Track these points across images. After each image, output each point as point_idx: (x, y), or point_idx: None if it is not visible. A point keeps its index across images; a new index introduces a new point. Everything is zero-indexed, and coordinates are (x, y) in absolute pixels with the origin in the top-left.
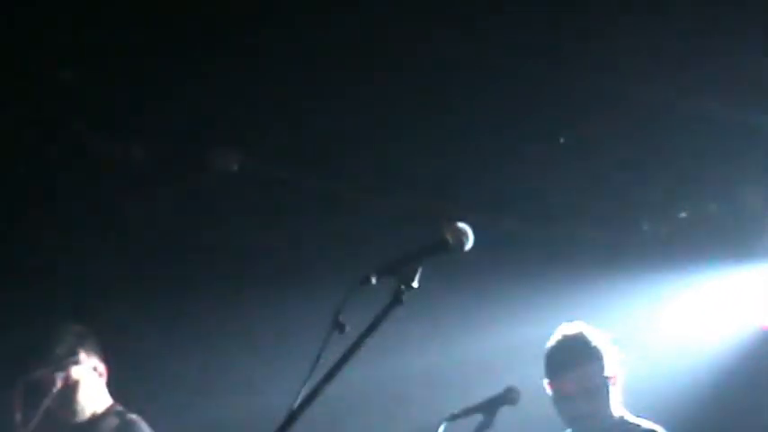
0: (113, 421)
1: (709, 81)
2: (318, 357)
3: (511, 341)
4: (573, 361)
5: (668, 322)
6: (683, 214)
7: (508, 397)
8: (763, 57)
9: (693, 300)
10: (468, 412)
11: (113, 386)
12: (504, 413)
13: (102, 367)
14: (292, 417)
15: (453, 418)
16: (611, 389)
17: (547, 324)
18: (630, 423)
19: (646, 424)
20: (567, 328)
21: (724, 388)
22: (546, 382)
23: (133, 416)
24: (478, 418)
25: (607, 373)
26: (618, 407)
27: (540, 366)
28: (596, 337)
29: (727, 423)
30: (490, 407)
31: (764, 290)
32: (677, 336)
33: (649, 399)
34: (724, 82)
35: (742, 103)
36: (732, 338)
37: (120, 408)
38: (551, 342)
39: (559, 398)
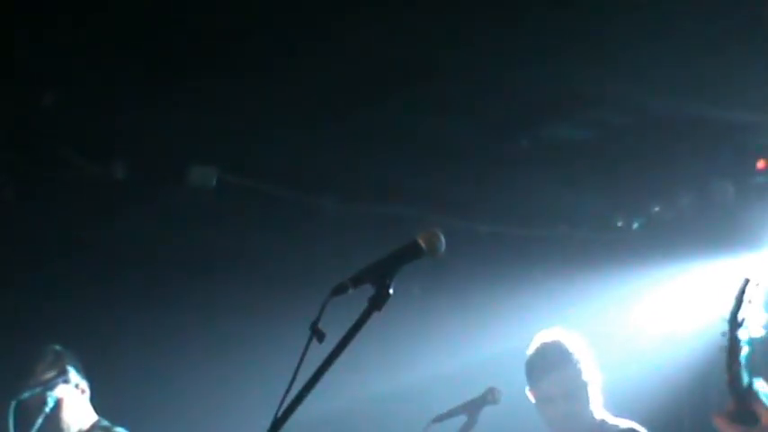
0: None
1: (680, 78)
2: (298, 366)
3: (490, 344)
4: (551, 365)
5: (644, 318)
6: (657, 209)
7: (490, 397)
8: (732, 54)
9: (669, 295)
10: (451, 414)
11: (97, 400)
12: (487, 414)
13: (84, 384)
14: (275, 426)
15: (437, 420)
16: (591, 391)
17: (525, 324)
18: (610, 424)
19: (625, 424)
20: (544, 335)
21: (701, 383)
22: (528, 389)
23: (118, 429)
24: (462, 419)
25: (585, 375)
26: (598, 408)
27: (521, 370)
28: (573, 341)
29: (705, 418)
30: (473, 407)
31: (736, 283)
32: (654, 331)
33: (629, 397)
34: (694, 78)
35: (712, 99)
36: (708, 333)
37: (105, 422)
38: (530, 350)
39: (541, 402)
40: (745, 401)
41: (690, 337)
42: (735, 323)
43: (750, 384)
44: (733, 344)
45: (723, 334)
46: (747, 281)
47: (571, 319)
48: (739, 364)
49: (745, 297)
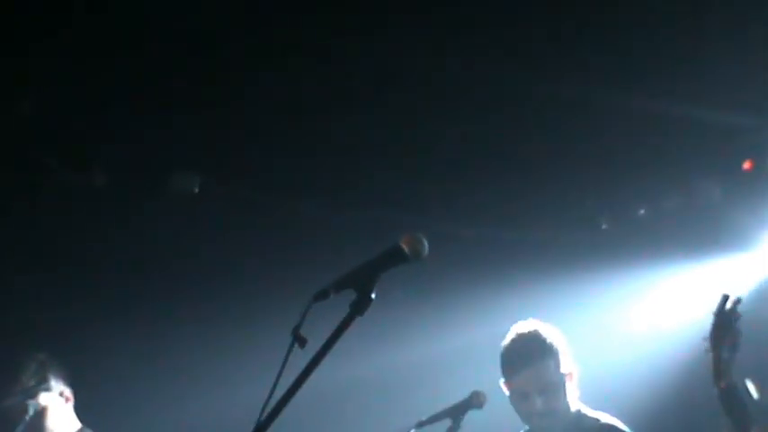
0: None
1: (664, 79)
2: (281, 372)
3: (472, 344)
4: (528, 359)
5: (629, 319)
6: (642, 211)
7: (475, 401)
8: (717, 55)
9: (654, 296)
10: (435, 418)
11: (82, 409)
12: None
13: (68, 392)
14: (258, 431)
15: (421, 425)
16: (568, 385)
17: (508, 326)
18: (589, 417)
19: (604, 418)
20: (521, 327)
21: (684, 381)
22: (502, 381)
23: None
24: (446, 423)
25: (563, 369)
26: (575, 402)
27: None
28: (551, 334)
29: (687, 417)
30: (457, 412)
31: (724, 283)
32: (638, 332)
33: (608, 393)
34: (679, 80)
35: (698, 100)
36: (692, 333)
37: (88, 431)
38: (506, 341)
39: (516, 396)
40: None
41: (675, 337)
42: (717, 339)
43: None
44: (717, 361)
45: (707, 351)
46: (726, 297)
47: (555, 319)
48: (728, 377)
49: (725, 313)
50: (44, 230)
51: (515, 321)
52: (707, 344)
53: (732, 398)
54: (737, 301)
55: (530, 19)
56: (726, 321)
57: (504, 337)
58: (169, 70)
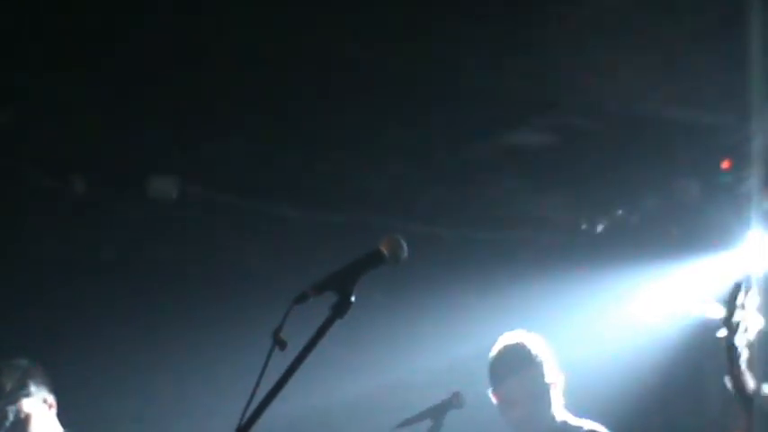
0: None
1: (642, 79)
2: (261, 375)
3: (455, 348)
4: (513, 368)
5: (610, 320)
6: (621, 211)
7: (454, 401)
8: (695, 55)
9: (635, 296)
10: (415, 419)
11: (64, 416)
12: (452, 418)
13: (51, 399)
14: None
15: (401, 425)
16: (553, 393)
17: (490, 327)
18: (573, 426)
19: (588, 425)
20: (506, 338)
21: (668, 383)
22: (490, 391)
23: None
24: (427, 423)
25: (548, 378)
26: (560, 410)
27: (486, 372)
28: (535, 344)
29: (671, 420)
30: (437, 412)
31: (705, 283)
32: (620, 333)
33: (593, 398)
34: (657, 80)
35: (675, 100)
36: (675, 334)
37: None
38: (492, 353)
39: (503, 404)
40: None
41: (657, 338)
42: (730, 329)
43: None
44: (732, 350)
45: (720, 340)
46: (738, 285)
47: (536, 322)
48: (741, 369)
49: (737, 302)
50: (26, 236)
51: (497, 324)
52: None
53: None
54: (748, 288)
55: (509, 19)
56: (738, 310)
57: (489, 343)
58: (149, 75)
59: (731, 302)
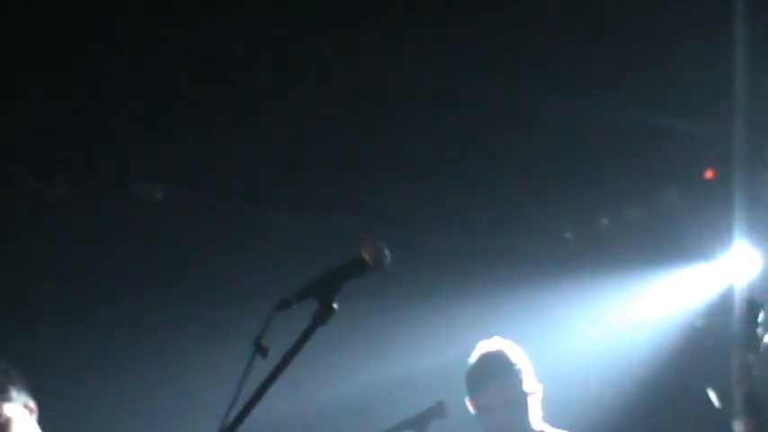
0: None
1: (625, 89)
2: (242, 382)
3: (436, 355)
4: (492, 375)
5: (593, 328)
6: (605, 221)
7: (437, 411)
8: (678, 65)
9: (618, 306)
10: (398, 429)
11: (44, 421)
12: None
13: (32, 403)
14: None
15: None
16: (531, 402)
17: (474, 335)
18: None
19: None
20: (485, 346)
21: (649, 392)
22: (467, 399)
23: None
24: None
25: (526, 387)
26: (538, 421)
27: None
28: (514, 352)
29: (653, 428)
30: (420, 421)
31: (687, 293)
32: (603, 341)
33: (573, 407)
34: (640, 90)
35: (659, 110)
36: (657, 343)
37: None
38: (471, 360)
39: (480, 412)
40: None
41: (639, 346)
42: (749, 345)
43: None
44: (744, 366)
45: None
46: (752, 303)
47: (517, 330)
48: (751, 381)
49: (752, 318)
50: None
51: (481, 335)
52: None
53: (753, 400)
54: (761, 308)
55: (487, 27)
56: (753, 328)
57: (469, 354)
58: (132, 76)
59: (749, 320)
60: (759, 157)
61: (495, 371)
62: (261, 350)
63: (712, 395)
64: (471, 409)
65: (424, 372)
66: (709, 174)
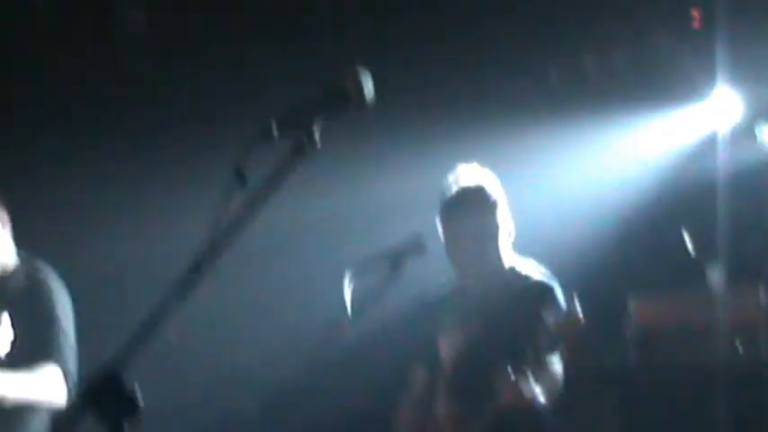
0: (20, 271)
1: None
2: (220, 213)
3: (417, 186)
4: (466, 209)
5: (578, 170)
6: (590, 63)
7: (415, 247)
8: None
9: (599, 147)
10: (374, 259)
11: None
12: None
13: (5, 216)
14: (195, 271)
15: (360, 266)
16: (503, 238)
17: (454, 161)
18: (520, 276)
19: (535, 274)
20: (461, 176)
21: (625, 231)
22: (440, 228)
23: (39, 264)
24: (385, 265)
25: (499, 221)
26: (509, 257)
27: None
28: (490, 185)
29: (626, 265)
30: (396, 255)
31: (670, 135)
32: (583, 181)
33: (546, 245)
34: None
35: None
36: (636, 186)
37: (25, 255)
38: (447, 189)
39: (451, 244)
40: None
41: (618, 189)
42: None
43: None
44: None
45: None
46: None
47: (498, 163)
48: None
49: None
50: None
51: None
52: None
53: None
54: None
55: None
56: None
57: (445, 184)
58: None
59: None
60: None
61: (469, 203)
62: (240, 179)
63: (687, 239)
64: (442, 239)
65: (404, 198)
66: (695, 18)
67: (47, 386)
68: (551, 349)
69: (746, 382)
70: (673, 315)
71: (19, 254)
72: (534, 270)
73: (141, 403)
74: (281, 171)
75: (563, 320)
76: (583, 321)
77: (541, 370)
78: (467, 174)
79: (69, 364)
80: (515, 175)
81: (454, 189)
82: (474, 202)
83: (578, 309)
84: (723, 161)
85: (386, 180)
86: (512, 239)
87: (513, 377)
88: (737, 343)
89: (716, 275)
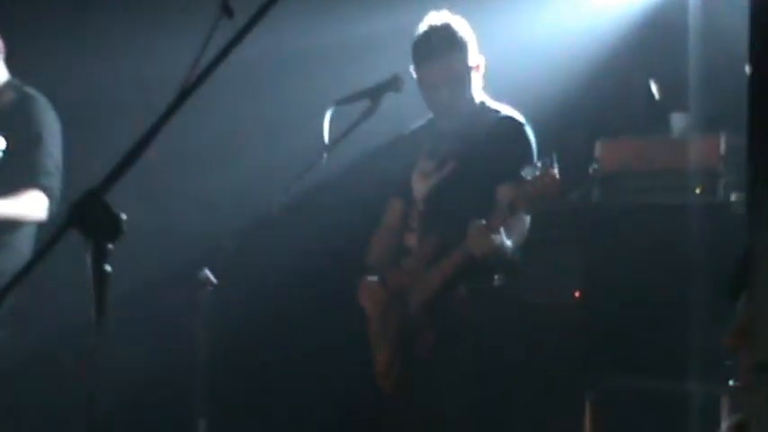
0: (10, 95)
1: None
2: (206, 44)
3: (395, 25)
4: (437, 50)
5: (549, 21)
6: None
7: (393, 84)
8: None
9: None
10: (353, 98)
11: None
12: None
13: (0, 44)
14: (184, 94)
15: (339, 103)
16: (474, 77)
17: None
18: (490, 110)
19: (504, 110)
20: (432, 18)
21: (595, 79)
22: (412, 69)
23: (30, 90)
24: (365, 103)
25: (470, 61)
26: (479, 94)
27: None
28: (460, 26)
29: (594, 113)
30: (375, 93)
31: None
32: (554, 23)
33: (518, 84)
34: None
35: None
36: (606, 31)
37: (16, 81)
38: (418, 31)
39: (424, 86)
40: None
41: (588, 33)
42: None
43: None
44: None
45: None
46: None
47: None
48: None
49: None
50: None
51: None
52: None
53: None
54: None
55: None
56: None
57: (417, 25)
58: None
59: None
60: None
61: (440, 46)
62: (226, 11)
63: (653, 87)
64: (416, 79)
65: (383, 38)
66: None
67: (30, 206)
68: (526, 205)
69: (705, 220)
70: (637, 157)
71: (10, 80)
72: (506, 108)
73: (124, 225)
74: (264, 6)
75: (540, 178)
76: (560, 181)
77: (512, 217)
78: (435, 16)
79: (54, 185)
80: (485, 24)
81: (422, 29)
82: (442, 46)
83: (556, 168)
84: (694, 7)
85: (365, 18)
86: (483, 81)
87: (482, 223)
88: (697, 186)
89: (681, 122)
